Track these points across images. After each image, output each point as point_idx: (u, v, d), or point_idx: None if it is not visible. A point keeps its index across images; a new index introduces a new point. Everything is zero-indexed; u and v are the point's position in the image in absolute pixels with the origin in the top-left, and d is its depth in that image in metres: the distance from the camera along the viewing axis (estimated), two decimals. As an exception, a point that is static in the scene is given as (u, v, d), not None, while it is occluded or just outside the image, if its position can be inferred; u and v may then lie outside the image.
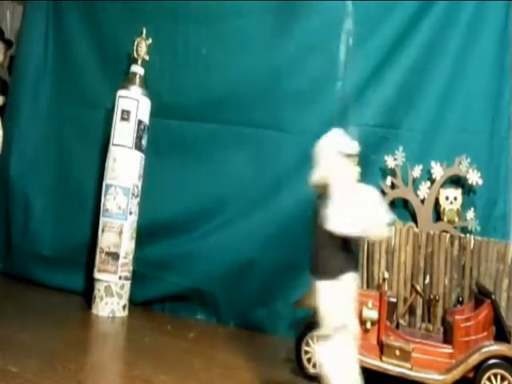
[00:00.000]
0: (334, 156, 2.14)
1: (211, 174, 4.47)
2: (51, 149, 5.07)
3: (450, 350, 2.77)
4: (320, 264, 2.14)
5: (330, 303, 2.12)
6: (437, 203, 3.75)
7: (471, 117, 3.87)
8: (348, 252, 2.12)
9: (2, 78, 5.56)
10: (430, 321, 3.43)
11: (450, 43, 3.99)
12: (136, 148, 4.25)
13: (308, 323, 3.11)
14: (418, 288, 3.32)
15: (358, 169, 2.21)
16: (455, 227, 3.66)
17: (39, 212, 4.96)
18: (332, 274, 2.09)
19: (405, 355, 2.80)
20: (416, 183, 3.81)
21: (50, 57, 5.23)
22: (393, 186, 3.88)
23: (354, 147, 2.19)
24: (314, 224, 2.16)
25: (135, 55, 4.46)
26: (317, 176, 2.17)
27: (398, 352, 2.82)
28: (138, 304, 4.43)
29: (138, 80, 4.35)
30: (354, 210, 2.01)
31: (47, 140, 5.08)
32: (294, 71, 4.33)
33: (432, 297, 3.43)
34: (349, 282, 2.12)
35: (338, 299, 2.11)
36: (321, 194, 2.18)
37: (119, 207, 4.13)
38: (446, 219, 3.69)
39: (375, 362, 2.85)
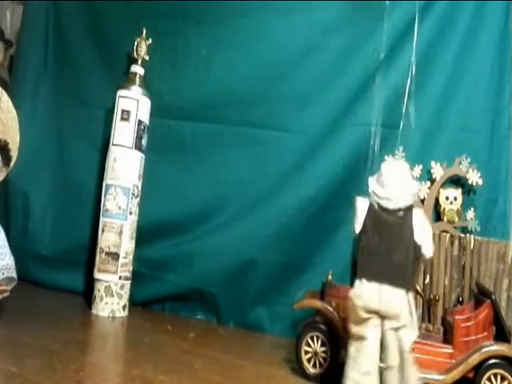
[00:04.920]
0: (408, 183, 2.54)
1: (211, 174, 4.48)
2: (51, 149, 5.07)
3: (450, 350, 2.77)
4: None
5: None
6: (437, 203, 3.75)
7: (471, 116, 3.87)
8: None
9: (2, 78, 5.56)
10: (430, 321, 3.43)
11: (450, 43, 3.98)
12: (136, 148, 4.25)
13: (308, 323, 3.12)
14: (418, 288, 3.31)
15: None
16: (455, 227, 3.65)
17: (39, 212, 4.96)
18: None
19: (405, 355, 2.80)
20: (416, 183, 3.80)
21: (50, 57, 5.23)
22: (393, 186, 3.88)
23: None
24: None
25: (135, 55, 4.46)
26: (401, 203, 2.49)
27: (398, 352, 2.82)
28: (137, 304, 4.43)
29: (138, 80, 4.35)
30: None
31: (47, 140, 5.07)
32: (294, 71, 4.33)
33: (432, 297, 3.43)
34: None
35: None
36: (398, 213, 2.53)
37: (119, 207, 4.13)
38: (445, 219, 3.68)
39: (375, 362, 2.85)
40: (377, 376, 2.41)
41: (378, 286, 2.38)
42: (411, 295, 2.42)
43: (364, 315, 2.40)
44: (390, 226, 2.46)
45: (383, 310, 2.37)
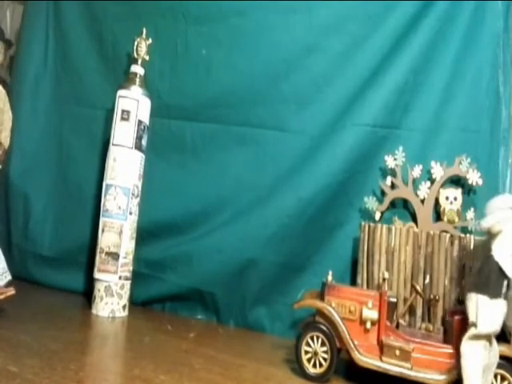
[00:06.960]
0: (507, 209, 2.74)
1: (211, 174, 4.48)
2: (51, 149, 5.07)
3: (450, 350, 2.77)
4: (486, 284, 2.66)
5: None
6: (437, 203, 3.75)
7: (471, 116, 3.87)
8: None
9: (2, 78, 5.56)
10: (429, 321, 3.43)
11: (450, 43, 3.98)
12: (136, 148, 4.25)
13: (308, 323, 3.12)
14: (418, 288, 3.32)
15: None
16: (455, 227, 3.65)
17: (39, 212, 4.96)
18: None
19: (405, 355, 2.80)
20: (416, 183, 3.81)
21: (50, 57, 5.23)
22: (393, 186, 3.88)
23: None
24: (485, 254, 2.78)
25: (135, 55, 4.46)
26: (490, 222, 2.76)
27: (397, 352, 2.82)
28: (138, 304, 4.43)
29: (138, 80, 4.35)
30: None
31: (47, 140, 5.08)
32: (294, 71, 4.33)
33: (432, 297, 3.43)
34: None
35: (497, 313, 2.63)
36: (490, 234, 2.79)
37: (119, 207, 4.13)
38: (445, 219, 3.68)
39: (375, 362, 2.86)
40: None
41: None
42: (481, 298, 2.61)
43: None
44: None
45: None
